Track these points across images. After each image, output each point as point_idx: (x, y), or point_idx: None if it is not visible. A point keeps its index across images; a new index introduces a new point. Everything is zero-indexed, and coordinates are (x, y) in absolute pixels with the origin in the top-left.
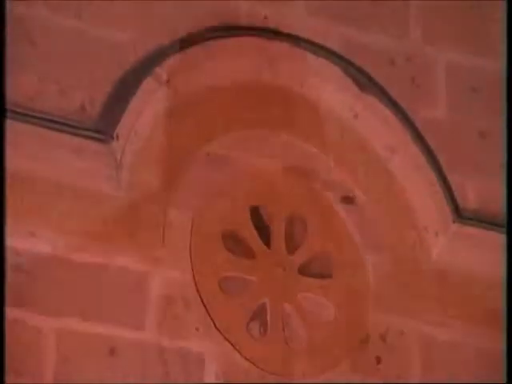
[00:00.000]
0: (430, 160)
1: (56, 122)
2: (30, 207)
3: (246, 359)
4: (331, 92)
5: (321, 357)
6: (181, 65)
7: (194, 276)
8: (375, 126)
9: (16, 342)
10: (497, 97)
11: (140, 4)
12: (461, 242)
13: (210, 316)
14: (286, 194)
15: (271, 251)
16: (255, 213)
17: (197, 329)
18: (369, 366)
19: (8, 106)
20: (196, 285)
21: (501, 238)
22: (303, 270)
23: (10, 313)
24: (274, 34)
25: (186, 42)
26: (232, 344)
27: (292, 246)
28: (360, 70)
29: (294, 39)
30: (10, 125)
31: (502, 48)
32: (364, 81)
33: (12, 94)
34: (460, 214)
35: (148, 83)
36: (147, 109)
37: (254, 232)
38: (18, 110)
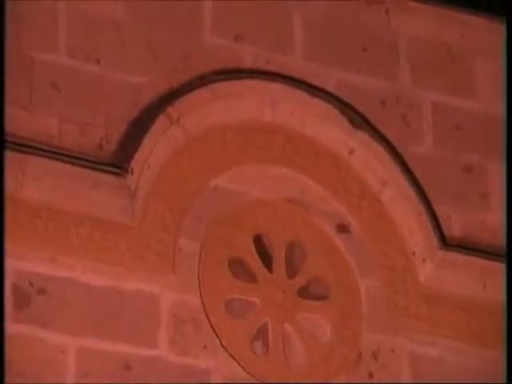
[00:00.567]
0: (418, 192)
1: (76, 158)
2: (53, 235)
3: (250, 374)
4: (328, 130)
5: (318, 373)
6: (190, 105)
7: (201, 298)
8: (368, 160)
9: (39, 359)
10: (479, 134)
11: (153, 50)
12: (446, 268)
13: (216, 335)
14: (287, 223)
15: (273, 276)
16: (258, 241)
17: (205, 347)
18: (362, 381)
19: (33, 144)
20: (204, 307)
21: (483, 264)
22: (302, 293)
23: (35, 333)
24: (276, 76)
25: (195, 84)
26: (237, 361)
27: (292, 271)
28: (354, 110)
29: (294, 82)
30: (35, 161)
31: (503, 87)
32: (358, 119)
33: (37, 133)
34: (445, 241)
35: (160, 122)
36: (159, 145)
37: (257, 258)
38: (42, 147)
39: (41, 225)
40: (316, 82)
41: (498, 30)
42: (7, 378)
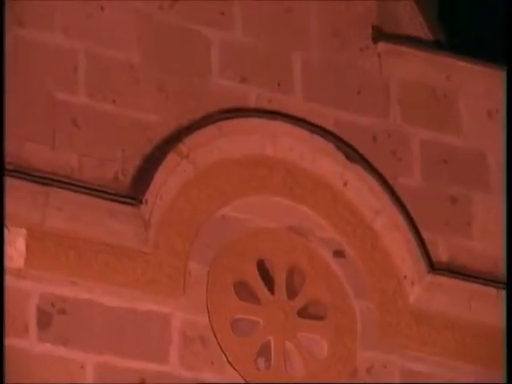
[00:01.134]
0: (408, 220)
1: (95, 190)
2: (73, 261)
3: None
4: (325, 164)
5: None
6: (199, 141)
7: (209, 318)
8: (362, 192)
9: (61, 373)
10: (463, 168)
11: (165, 91)
12: (434, 290)
13: (223, 352)
14: (287, 249)
15: (274, 297)
16: (261, 265)
17: (212, 362)
18: None
19: (55, 177)
20: (211, 326)
21: (468, 286)
22: (301, 313)
23: (56, 349)
24: (277, 115)
25: (204, 122)
26: (241, 375)
27: (292, 293)
28: (349, 146)
29: (294, 120)
30: (57, 192)
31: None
32: (352, 154)
33: (59, 167)
34: (433, 266)
35: (171, 157)
36: (171, 178)
37: (260, 281)
38: (64, 180)
39: (62, 251)
40: (314, 120)
41: (480, 73)
42: None
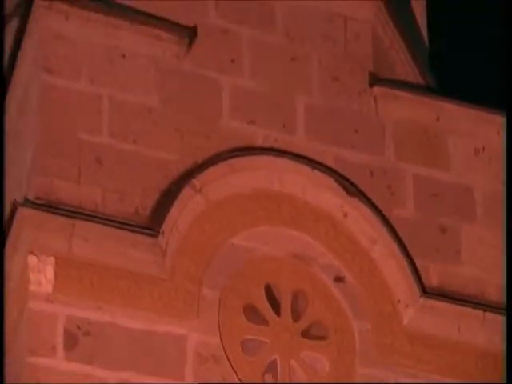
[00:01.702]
0: (402, 249)
1: (117, 222)
2: (97, 287)
3: None
4: (326, 197)
5: None
6: (211, 177)
7: (221, 339)
8: (360, 222)
9: None
10: (452, 200)
11: (180, 132)
12: (426, 313)
13: (233, 369)
14: (292, 275)
15: (280, 319)
16: (268, 290)
17: (223, 378)
18: None
19: (80, 211)
20: (223, 346)
21: (458, 309)
22: (305, 334)
23: (82, 369)
24: (282, 153)
25: (216, 160)
26: None
27: (296, 315)
28: (348, 180)
29: (297, 157)
30: (82, 224)
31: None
32: (351, 188)
33: (83, 201)
34: (425, 290)
35: (186, 191)
36: (186, 211)
37: (267, 305)
38: (88, 213)
39: (87, 278)
40: (316, 157)
41: (467, 114)
42: None
